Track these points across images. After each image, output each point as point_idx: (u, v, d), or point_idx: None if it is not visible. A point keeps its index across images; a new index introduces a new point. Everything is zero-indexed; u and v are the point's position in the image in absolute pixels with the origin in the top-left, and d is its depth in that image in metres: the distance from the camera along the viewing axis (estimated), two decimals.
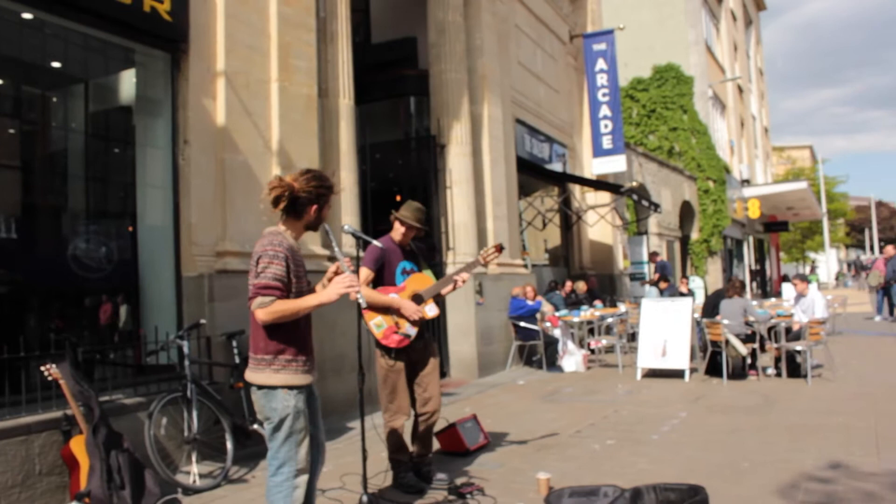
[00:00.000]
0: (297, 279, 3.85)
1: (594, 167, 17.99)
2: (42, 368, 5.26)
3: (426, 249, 5.98)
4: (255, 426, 6.48)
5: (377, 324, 5.44)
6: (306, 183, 3.92)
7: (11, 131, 6.31)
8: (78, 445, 5.15)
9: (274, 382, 3.84)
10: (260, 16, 7.60)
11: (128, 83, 7.22)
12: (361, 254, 4.74)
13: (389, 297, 5.42)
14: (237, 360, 6.68)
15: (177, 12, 6.71)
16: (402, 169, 11.24)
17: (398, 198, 11.42)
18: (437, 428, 6.17)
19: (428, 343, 5.73)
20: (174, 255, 6.90)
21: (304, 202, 3.93)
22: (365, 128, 9.63)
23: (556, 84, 16.92)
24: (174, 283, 6.89)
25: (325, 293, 3.85)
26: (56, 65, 6.77)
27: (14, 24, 6.09)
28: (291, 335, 3.89)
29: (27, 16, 6.05)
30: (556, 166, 16.55)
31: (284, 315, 3.77)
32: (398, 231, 5.60)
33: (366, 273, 5.39)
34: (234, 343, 6.73)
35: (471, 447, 6.58)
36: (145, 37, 6.69)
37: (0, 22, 5.98)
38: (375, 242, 4.48)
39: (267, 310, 3.73)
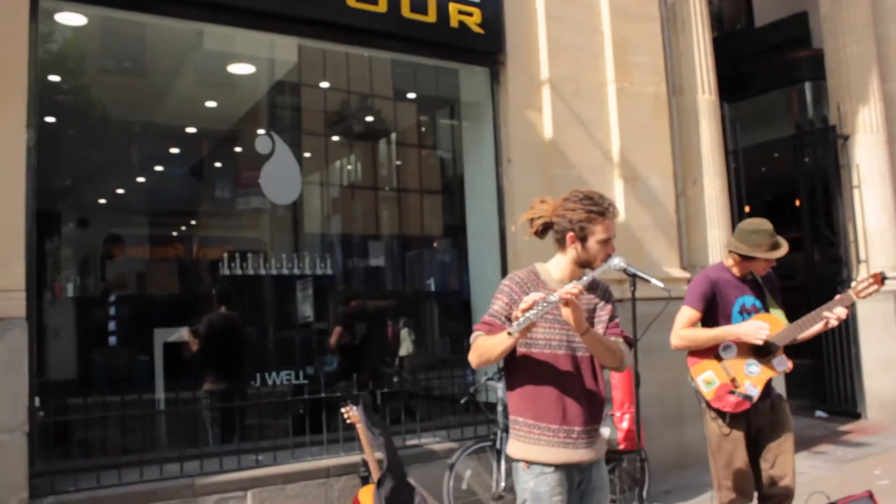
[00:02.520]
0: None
1: None
2: (342, 410, 4.81)
3: (776, 280, 4.25)
4: None
5: (706, 380, 3.93)
6: (562, 206, 2.85)
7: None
8: (366, 496, 4.56)
9: (514, 454, 2.86)
10: (588, 12, 6.46)
11: (453, 107, 6.68)
12: (644, 294, 3.33)
13: (716, 330, 3.89)
14: None
15: (489, 22, 5.92)
16: (794, 169, 9.07)
17: (797, 202, 9.28)
18: None
19: (777, 403, 4.03)
20: None
21: (558, 230, 2.85)
22: (736, 125, 7.86)
23: None
24: None
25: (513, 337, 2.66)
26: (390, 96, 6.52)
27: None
28: (531, 391, 2.82)
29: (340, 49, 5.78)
30: None
31: (481, 355, 2.77)
32: (734, 260, 4.04)
33: (688, 313, 3.96)
34: None
35: None
36: (456, 53, 6.02)
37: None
38: (655, 282, 3.05)
39: (472, 348, 2.82)
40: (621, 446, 5.34)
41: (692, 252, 6.94)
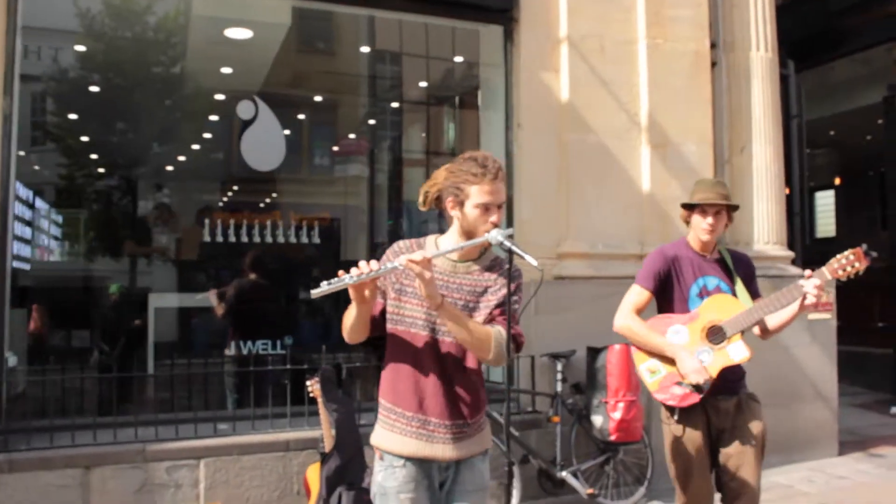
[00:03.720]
0: (398, 295, 2.49)
1: None
2: (308, 384, 4.62)
3: (750, 262, 3.62)
4: (565, 473, 4.91)
5: (651, 369, 3.38)
6: (448, 170, 2.53)
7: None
8: (314, 472, 4.37)
9: (371, 440, 2.58)
10: None
11: (471, 71, 6.26)
12: (534, 273, 2.84)
13: (660, 339, 3.34)
14: (559, 387, 5.15)
15: None
16: (862, 142, 7.99)
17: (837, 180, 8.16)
18: None
19: (745, 403, 3.43)
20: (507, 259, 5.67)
21: (444, 197, 2.53)
22: (799, 88, 6.91)
23: None
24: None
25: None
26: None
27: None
28: (392, 373, 2.53)
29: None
30: None
31: (344, 328, 2.55)
32: (698, 228, 3.42)
33: (637, 293, 3.43)
34: (560, 366, 5.20)
35: None
36: (465, 11, 5.59)
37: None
38: (530, 259, 2.57)
39: None
40: (612, 437, 4.86)
41: (736, 227, 6.17)
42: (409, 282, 2.47)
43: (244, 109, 5.18)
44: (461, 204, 2.48)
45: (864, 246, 3.23)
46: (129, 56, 6.29)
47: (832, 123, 10.29)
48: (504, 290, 2.52)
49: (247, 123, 5.14)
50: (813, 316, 6.23)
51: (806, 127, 9.98)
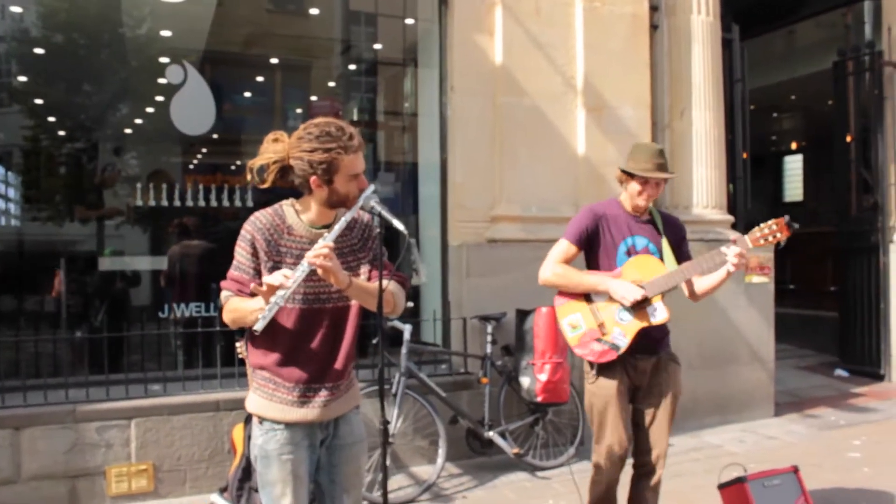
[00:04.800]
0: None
1: None
2: (237, 345, 4.83)
3: (681, 226, 3.81)
4: (492, 433, 5.18)
5: (573, 324, 3.53)
6: (297, 146, 2.52)
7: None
8: (239, 432, 4.60)
9: (248, 407, 2.69)
10: None
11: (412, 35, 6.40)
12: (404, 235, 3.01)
13: (590, 276, 3.52)
14: (489, 349, 5.39)
15: None
16: (825, 107, 8.20)
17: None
18: (723, 478, 4.10)
19: (664, 363, 3.62)
20: (441, 222, 5.89)
21: (299, 174, 2.54)
22: (744, 52, 7.03)
23: None
24: (440, 253, 5.90)
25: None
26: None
27: None
28: (274, 344, 2.58)
29: None
30: None
31: (234, 320, 2.56)
32: (632, 191, 3.56)
33: (563, 247, 3.56)
34: (490, 328, 5.44)
35: None
36: None
37: None
38: (397, 223, 2.70)
39: (224, 310, 2.59)
40: (539, 398, 5.12)
41: (675, 191, 6.43)
42: (291, 260, 2.53)
43: (173, 73, 5.32)
44: (329, 182, 2.52)
45: (787, 217, 3.40)
46: (69, 18, 6.32)
47: (795, 87, 10.51)
48: (370, 243, 2.69)
49: (177, 87, 5.30)
50: (751, 279, 6.51)
51: (769, 91, 10.27)
